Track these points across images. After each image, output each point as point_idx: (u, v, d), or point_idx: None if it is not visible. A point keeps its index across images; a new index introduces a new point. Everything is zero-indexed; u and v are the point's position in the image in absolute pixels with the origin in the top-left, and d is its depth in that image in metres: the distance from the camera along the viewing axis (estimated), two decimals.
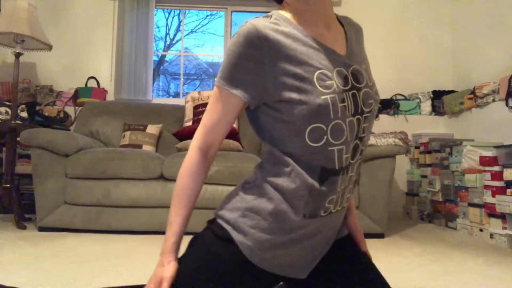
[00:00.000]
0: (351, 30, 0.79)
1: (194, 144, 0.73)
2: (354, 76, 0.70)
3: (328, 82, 0.66)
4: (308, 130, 0.66)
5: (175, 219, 0.71)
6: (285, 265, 0.72)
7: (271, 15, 0.70)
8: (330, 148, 0.67)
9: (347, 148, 0.68)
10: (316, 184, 0.68)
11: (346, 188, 0.72)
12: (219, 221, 0.73)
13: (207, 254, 0.71)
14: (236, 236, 0.70)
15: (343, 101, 0.66)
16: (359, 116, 0.69)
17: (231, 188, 0.82)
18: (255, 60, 0.66)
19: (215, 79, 0.71)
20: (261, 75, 0.67)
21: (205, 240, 0.73)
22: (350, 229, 0.88)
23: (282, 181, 0.69)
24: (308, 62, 0.67)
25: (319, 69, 0.66)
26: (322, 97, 0.65)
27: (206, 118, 0.72)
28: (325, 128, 0.66)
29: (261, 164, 0.75)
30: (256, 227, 0.69)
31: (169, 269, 0.68)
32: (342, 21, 0.79)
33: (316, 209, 0.70)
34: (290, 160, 0.68)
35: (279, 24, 0.69)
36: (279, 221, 0.69)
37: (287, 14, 0.72)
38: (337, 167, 0.68)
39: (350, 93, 0.68)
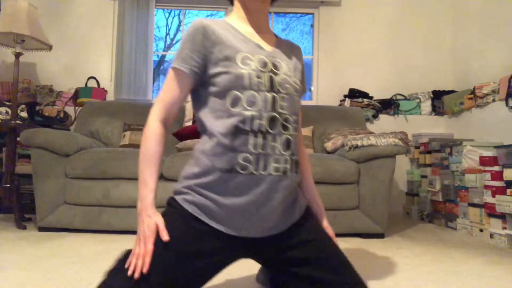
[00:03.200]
0: (285, 46, 1.03)
1: (155, 116, 0.91)
2: (274, 65, 0.91)
3: (248, 61, 0.88)
4: (227, 95, 0.86)
5: (149, 179, 0.86)
6: (223, 219, 0.86)
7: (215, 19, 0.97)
8: (244, 112, 0.85)
9: (260, 115, 0.85)
10: (228, 141, 0.84)
11: (270, 155, 0.85)
12: (172, 195, 0.94)
13: (166, 217, 0.86)
14: (180, 200, 0.89)
15: (258, 77, 0.87)
16: (274, 94, 0.88)
17: None
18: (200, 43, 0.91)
19: None
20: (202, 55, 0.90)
21: (165, 211, 0.92)
22: (309, 202, 1.03)
23: (205, 144, 0.89)
24: (233, 46, 0.90)
25: (242, 51, 0.89)
26: (241, 70, 0.86)
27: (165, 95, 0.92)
28: (241, 95, 0.85)
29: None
30: (191, 187, 0.88)
31: (159, 217, 0.84)
32: (281, 39, 1.05)
33: (231, 163, 0.84)
34: (212, 124, 0.88)
35: (219, 22, 0.94)
36: (203, 179, 0.86)
37: (229, 19, 0.98)
38: (248, 128, 0.84)
39: (267, 75, 0.88)
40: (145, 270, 0.76)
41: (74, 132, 2.70)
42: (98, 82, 3.37)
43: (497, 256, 1.78)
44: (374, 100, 3.35)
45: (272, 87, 0.87)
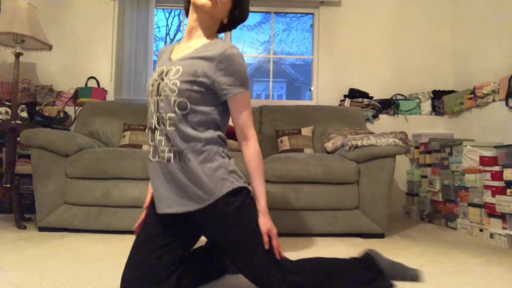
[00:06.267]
0: (202, 50, 1.09)
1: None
2: (166, 72, 1.08)
3: (152, 75, 1.13)
4: None
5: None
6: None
7: None
8: (148, 115, 1.12)
9: (151, 116, 1.09)
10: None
11: (158, 145, 1.07)
12: None
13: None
14: None
15: (152, 85, 1.10)
16: (158, 97, 1.07)
17: None
18: None
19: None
20: None
21: None
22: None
23: None
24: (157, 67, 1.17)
25: (156, 68, 1.16)
26: (147, 84, 1.17)
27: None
28: (147, 102, 1.15)
29: None
30: None
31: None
32: (210, 43, 1.12)
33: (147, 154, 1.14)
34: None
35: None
36: None
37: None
38: (149, 127, 1.11)
39: (157, 82, 1.08)
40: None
41: (74, 132, 2.70)
42: (98, 82, 3.37)
43: (497, 256, 1.78)
44: (374, 100, 3.35)
45: (158, 92, 1.07)
